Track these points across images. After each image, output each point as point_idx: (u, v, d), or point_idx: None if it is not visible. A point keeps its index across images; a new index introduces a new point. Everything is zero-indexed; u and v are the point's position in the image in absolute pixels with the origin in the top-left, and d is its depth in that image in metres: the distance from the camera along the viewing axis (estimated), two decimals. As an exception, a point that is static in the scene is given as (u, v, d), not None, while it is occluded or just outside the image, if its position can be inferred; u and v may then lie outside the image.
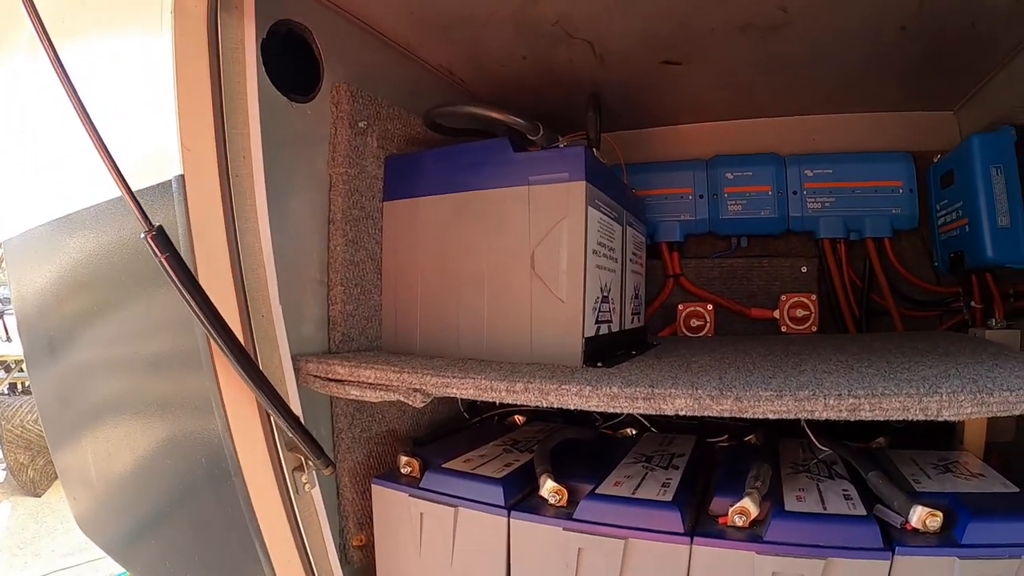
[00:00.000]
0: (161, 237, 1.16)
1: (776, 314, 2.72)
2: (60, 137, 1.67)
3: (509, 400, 1.34)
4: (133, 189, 1.17)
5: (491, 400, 1.38)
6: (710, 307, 2.78)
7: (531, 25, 2.01)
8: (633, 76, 2.38)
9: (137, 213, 1.15)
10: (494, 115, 1.89)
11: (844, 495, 1.43)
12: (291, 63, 1.76)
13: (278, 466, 1.46)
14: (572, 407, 1.29)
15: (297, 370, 1.61)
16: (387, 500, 1.74)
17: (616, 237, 1.94)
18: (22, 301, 2.13)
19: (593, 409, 1.28)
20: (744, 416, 1.17)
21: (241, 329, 1.39)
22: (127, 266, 1.50)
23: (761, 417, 1.16)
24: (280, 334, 1.49)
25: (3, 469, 5.73)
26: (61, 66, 1.08)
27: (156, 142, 1.35)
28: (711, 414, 1.19)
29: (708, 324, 2.77)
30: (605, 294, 1.81)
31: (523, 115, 1.82)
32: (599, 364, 1.62)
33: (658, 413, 1.23)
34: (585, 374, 1.44)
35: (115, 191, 1.21)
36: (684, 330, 2.79)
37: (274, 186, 1.51)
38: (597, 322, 1.75)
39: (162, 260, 1.16)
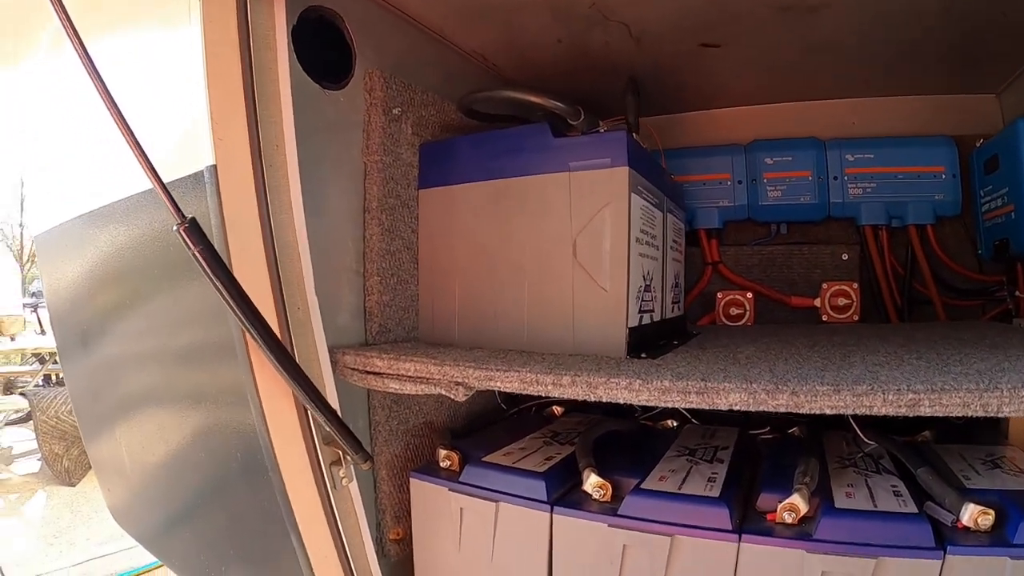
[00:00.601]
0: (194, 229, 1.13)
1: (817, 302, 2.65)
2: (88, 131, 1.65)
3: (555, 394, 1.30)
4: (164, 181, 1.14)
5: (536, 394, 1.34)
6: (750, 295, 2.72)
7: (567, 8, 1.95)
8: (670, 59, 2.31)
9: (169, 205, 1.11)
10: (533, 99, 1.83)
11: (894, 491, 1.38)
12: (322, 50, 1.72)
13: (315, 460, 1.43)
14: (621, 401, 1.25)
15: (334, 362, 1.58)
16: (426, 494, 1.71)
17: (657, 224, 1.89)
18: (54, 294, 2.12)
19: (643, 403, 1.24)
20: (799, 411, 1.12)
21: (277, 321, 1.36)
22: (159, 258, 1.48)
23: (817, 412, 1.11)
24: (316, 326, 1.46)
25: (38, 459, 5.78)
26: (89, 58, 1.05)
27: (187, 133, 1.32)
28: (766, 409, 1.14)
29: (748, 313, 2.71)
30: (648, 283, 1.77)
31: (562, 98, 1.77)
32: (643, 355, 1.58)
33: (711, 407, 1.18)
34: (632, 366, 1.39)
35: (145, 184, 1.19)
36: (723, 319, 2.73)
37: (308, 175, 1.48)
38: (640, 311, 1.70)
39: (195, 253, 1.12)
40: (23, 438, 6.30)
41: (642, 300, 1.71)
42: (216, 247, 1.19)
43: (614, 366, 1.40)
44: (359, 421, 1.77)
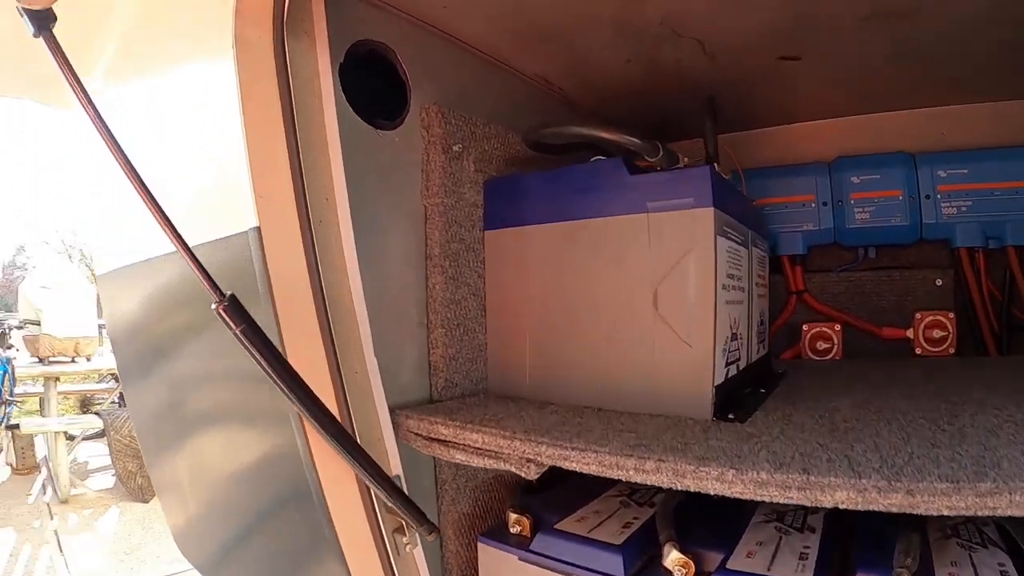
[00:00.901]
0: (234, 307, 1.04)
1: (909, 333, 2.44)
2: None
3: (638, 480, 1.17)
4: (209, 239, 1.12)
5: (616, 478, 1.21)
6: (837, 327, 2.53)
7: (635, 27, 1.83)
8: (746, 74, 2.16)
9: (206, 284, 1.03)
10: (605, 135, 1.71)
11: (1000, 571, 1.21)
12: (373, 85, 1.63)
13: (376, 528, 1.34)
14: (712, 492, 1.11)
15: (396, 425, 1.48)
16: (495, 560, 1.60)
17: (743, 263, 1.74)
18: (114, 326, 2.10)
19: (736, 496, 1.10)
20: (915, 512, 0.97)
21: (332, 387, 1.28)
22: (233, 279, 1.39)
23: (935, 514, 0.96)
24: (376, 389, 1.37)
25: (112, 475, 5.86)
26: (103, 122, 0.97)
27: (228, 187, 1.24)
28: (877, 509, 0.99)
29: (835, 346, 2.53)
30: (734, 331, 1.63)
31: (636, 132, 1.65)
32: (730, 416, 1.44)
33: (813, 504, 1.04)
34: (720, 437, 1.26)
35: (201, 236, 1.15)
36: (809, 353, 2.55)
37: (362, 224, 1.39)
38: (726, 364, 1.56)
39: (237, 333, 1.03)
40: (99, 453, 6.41)
41: (728, 352, 1.57)
42: (263, 312, 1.13)
43: (701, 437, 1.27)
44: (424, 480, 1.68)
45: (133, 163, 0.99)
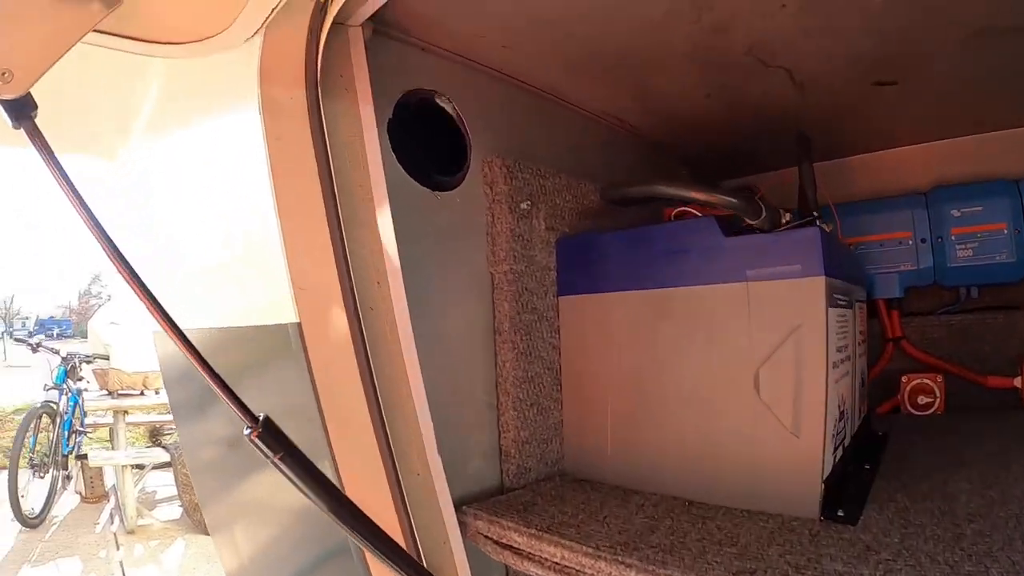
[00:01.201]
0: (269, 432, 0.89)
1: (1017, 382, 2.20)
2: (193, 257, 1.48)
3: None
4: (249, 323, 1.06)
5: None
6: (939, 379, 2.29)
7: (717, 58, 1.68)
8: (836, 101, 1.99)
9: (235, 409, 0.89)
10: (698, 196, 1.54)
11: None
12: (425, 137, 1.49)
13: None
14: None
15: (463, 524, 1.35)
16: None
17: (850, 327, 1.56)
18: (168, 374, 2.00)
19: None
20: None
21: (390, 494, 1.15)
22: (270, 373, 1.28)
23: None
24: (441, 490, 1.24)
25: (179, 506, 5.85)
26: (88, 212, 0.87)
27: (265, 271, 1.12)
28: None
29: (937, 400, 2.29)
30: (842, 410, 1.45)
31: (737, 192, 1.47)
32: (839, 512, 1.28)
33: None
34: (836, 561, 1.08)
35: (238, 317, 1.10)
36: (909, 407, 2.32)
37: (421, 302, 1.26)
38: (834, 450, 1.38)
39: (276, 461, 0.89)
40: (167, 482, 6.43)
41: (836, 435, 1.39)
42: (307, 414, 1.04)
43: (812, 553, 1.11)
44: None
45: (125, 256, 0.88)
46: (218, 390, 0.88)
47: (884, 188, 2.46)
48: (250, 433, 0.88)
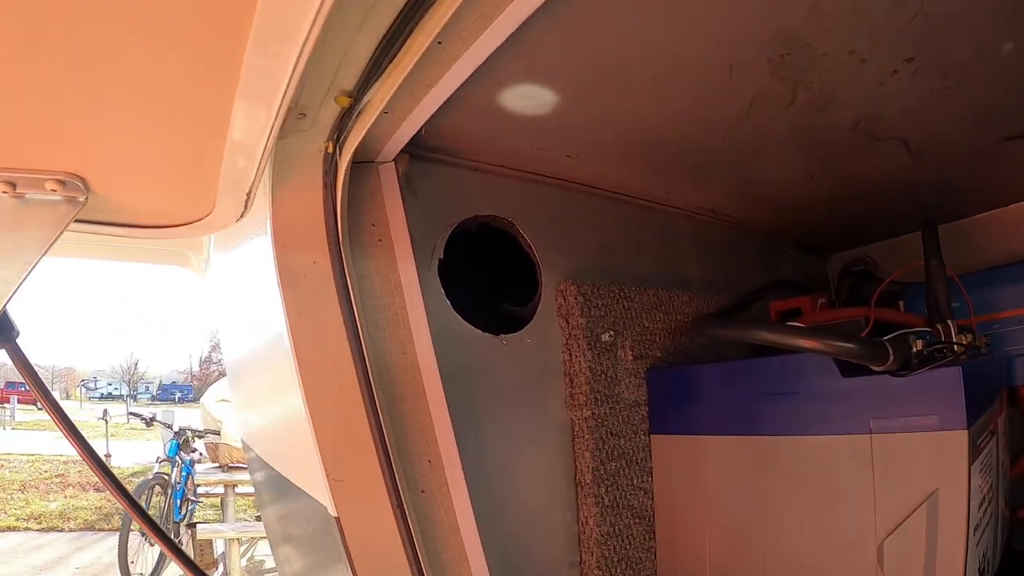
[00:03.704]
0: None
1: None
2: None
3: None
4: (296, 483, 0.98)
5: None
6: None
7: (821, 137, 1.50)
8: (958, 163, 1.76)
9: None
10: (808, 346, 1.27)
11: None
12: (485, 270, 1.39)
13: None
14: None
15: None
16: None
17: (994, 464, 1.31)
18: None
19: None
20: None
21: None
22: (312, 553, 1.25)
23: None
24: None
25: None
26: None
27: (302, 450, 1.02)
28: None
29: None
30: (981, 568, 1.20)
31: (855, 340, 1.22)
32: None
33: None
34: None
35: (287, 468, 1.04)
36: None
37: (486, 463, 1.17)
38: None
39: None
40: (279, 552, 6.51)
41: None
42: None
43: None
44: None
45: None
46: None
47: (1011, 251, 2.13)
48: None
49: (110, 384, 51.62)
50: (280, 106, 0.64)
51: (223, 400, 6.69)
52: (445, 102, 0.97)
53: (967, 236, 2.16)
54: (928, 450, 1.10)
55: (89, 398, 46.16)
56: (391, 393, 1.02)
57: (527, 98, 1.19)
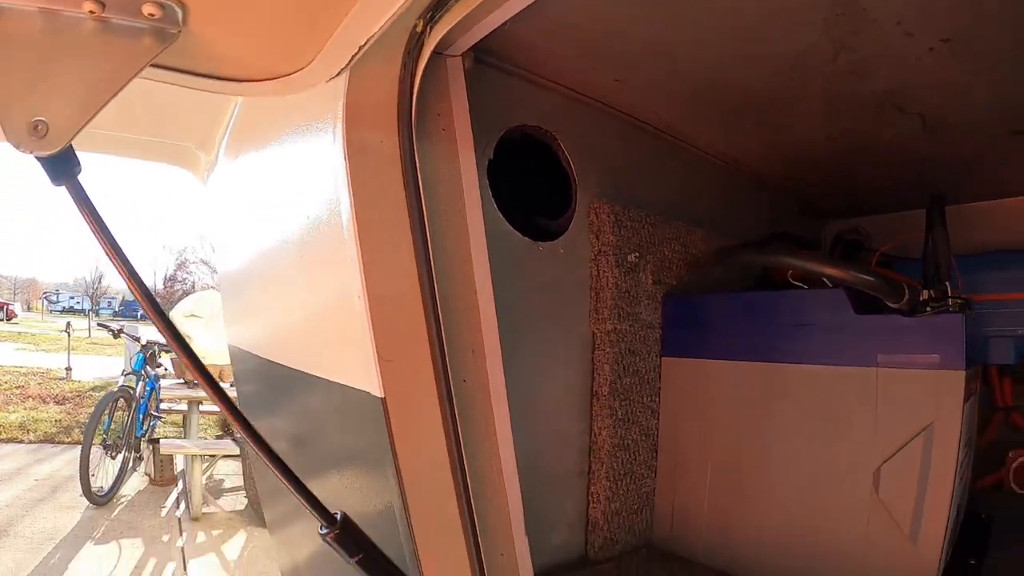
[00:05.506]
0: (347, 534, 0.83)
1: None
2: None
3: None
4: (333, 379, 0.98)
5: None
6: (1051, 457, 2.11)
7: (851, 101, 1.58)
8: (965, 148, 1.86)
9: (312, 511, 0.82)
10: (832, 274, 1.40)
11: None
12: (526, 179, 1.41)
13: None
14: None
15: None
16: None
17: (972, 420, 1.42)
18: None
19: None
20: None
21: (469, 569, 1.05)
22: (350, 437, 1.20)
23: None
24: (526, 573, 1.14)
25: (245, 498, 5.90)
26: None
27: (350, 336, 1.02)
28: None
29: (1047, 480, 2.11)
30: (959, 503, 1.32)
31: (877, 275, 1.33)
32: None
33: None
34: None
35: (335, 374, 1.02)
36: (1012, 484, 2.13)
37: (517, 366, 1.16)
38: (946, 548, 1.26)
39: (354, 564, 0.83)
40: (236, 471, 6.48)
41: (950, 530, 1.26)
42: (387, 489, 0.97)
43: None
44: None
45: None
46: (293, 490, 0.81)
47: (1007, 240, 2.27)
48: (327, 533, 0.82)
49: (72, 298, 50.79)
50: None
51: (193, 315, 6.64)
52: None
53: (962, 221, 2.26)
54: (929, 386, 1.21)
55: (51, 311, 45.46)
56: (445, 277, 1.04)
57: (593, 12, 1.22)
